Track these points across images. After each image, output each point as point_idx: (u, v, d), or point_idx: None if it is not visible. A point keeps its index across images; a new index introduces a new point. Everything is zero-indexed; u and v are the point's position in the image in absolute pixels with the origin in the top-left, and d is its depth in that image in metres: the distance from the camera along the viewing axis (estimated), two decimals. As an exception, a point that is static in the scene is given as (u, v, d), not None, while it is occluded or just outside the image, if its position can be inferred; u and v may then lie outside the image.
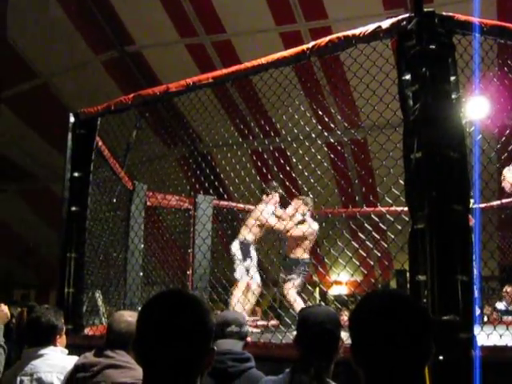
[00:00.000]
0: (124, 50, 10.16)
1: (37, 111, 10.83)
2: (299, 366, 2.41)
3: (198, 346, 1.43)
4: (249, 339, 2.92)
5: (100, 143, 5.06)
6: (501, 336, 3.20)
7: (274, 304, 6.75)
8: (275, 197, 6.42)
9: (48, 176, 11.74)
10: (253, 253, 6.27)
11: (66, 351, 3.17)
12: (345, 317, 6.69)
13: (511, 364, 2.85)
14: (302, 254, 6.46)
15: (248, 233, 6.21)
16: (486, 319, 6.86)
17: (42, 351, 3.04)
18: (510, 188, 5.84)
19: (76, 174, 4.74)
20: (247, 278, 6.06)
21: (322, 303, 6.08)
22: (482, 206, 5.55)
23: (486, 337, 3.15)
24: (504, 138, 3.80)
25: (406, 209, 3.13)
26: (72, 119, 4.87)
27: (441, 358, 2.65)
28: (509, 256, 7.87)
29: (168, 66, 10.00)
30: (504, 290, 7.98)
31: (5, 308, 3.80)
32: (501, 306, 7.84)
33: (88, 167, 4.78)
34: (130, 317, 2.83)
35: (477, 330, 2.93)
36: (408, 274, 3.05)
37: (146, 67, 10.43)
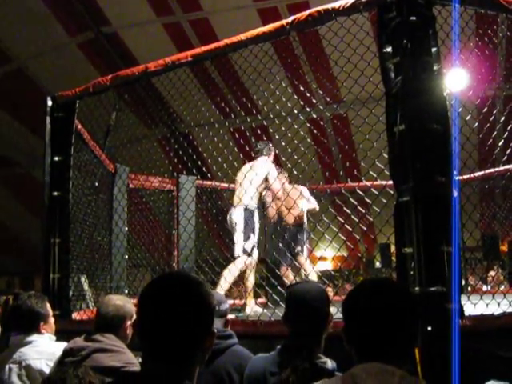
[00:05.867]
0: (100, 31, 9.98)
1: (13, 96, 10.63)
2: (289, 343, 2.42)
3: (199, 328, 1.43)
4: (229, 317, 2.90)
5: (79, 126, 4.99)
6: (487, 305, 3.24)
7: (262, 281, 6.75)
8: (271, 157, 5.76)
9: (29, 162, 11.58)
10: (257, 223, 5.45)
11: (54, 338, 3.15)
12: (331, 292, 6.71)
13: (498, 332, 2.88)
14: (301, 219, 6.01)
15: (250, 198, 5.29)
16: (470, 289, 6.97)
17: (30, 338, 3.02)
18: None
19: (56, 159, 4.67)
20: (255, 254, 5.35)
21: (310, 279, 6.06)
22: (466, 177, 5.57)
23: (472, 306, 3.19)
24: (486, 109, 3.81)
25: (390, 182, 3.13)
26: (50, 103, 4.78)
27: (429, 328, 2.68)
28: (491, 226, 7.98)
29: (145, 46, 9.84)
30: (489, 274, 8.11)
31: None
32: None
33: (68, 151, 4.70)
34: (118, 300, 2.82)
35: (464, 299, 2.96)
36: (393, 247, 3.07)
37: (123, 48, 10.26)
